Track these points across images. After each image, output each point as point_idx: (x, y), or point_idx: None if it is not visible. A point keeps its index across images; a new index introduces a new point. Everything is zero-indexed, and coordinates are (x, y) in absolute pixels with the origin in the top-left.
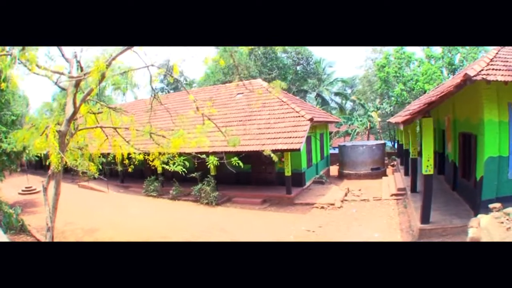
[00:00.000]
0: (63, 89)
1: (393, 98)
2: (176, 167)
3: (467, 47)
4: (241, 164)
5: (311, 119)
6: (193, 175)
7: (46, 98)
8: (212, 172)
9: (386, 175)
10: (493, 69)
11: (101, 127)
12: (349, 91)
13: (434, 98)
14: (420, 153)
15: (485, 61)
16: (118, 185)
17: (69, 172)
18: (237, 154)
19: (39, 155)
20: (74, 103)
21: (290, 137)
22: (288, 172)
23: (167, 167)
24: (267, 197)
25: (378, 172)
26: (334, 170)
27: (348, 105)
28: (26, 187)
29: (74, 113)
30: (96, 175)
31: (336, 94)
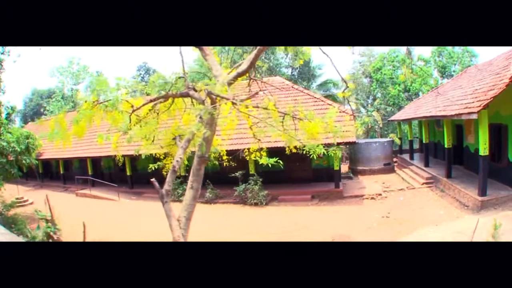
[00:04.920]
0: None
1: (390, 99)
2: (268, 161)
3: (456, 51)
4: (323, 151)
5: (352, 114)
6: (236, 174)
7: (17, 103)
8: (252, 171)
9: (395, 170)
10: None
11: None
12: (336, 92)
13: (493, 93)
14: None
15: None
16: (127, 191)
17: (59, 179)
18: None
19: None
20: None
21: (341, 131)
22: (337, 167)
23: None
24: (314, 193)
25: (389, 167)
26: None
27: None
28: (17, 198)
29: (251, 65)
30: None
31: (326, 96)
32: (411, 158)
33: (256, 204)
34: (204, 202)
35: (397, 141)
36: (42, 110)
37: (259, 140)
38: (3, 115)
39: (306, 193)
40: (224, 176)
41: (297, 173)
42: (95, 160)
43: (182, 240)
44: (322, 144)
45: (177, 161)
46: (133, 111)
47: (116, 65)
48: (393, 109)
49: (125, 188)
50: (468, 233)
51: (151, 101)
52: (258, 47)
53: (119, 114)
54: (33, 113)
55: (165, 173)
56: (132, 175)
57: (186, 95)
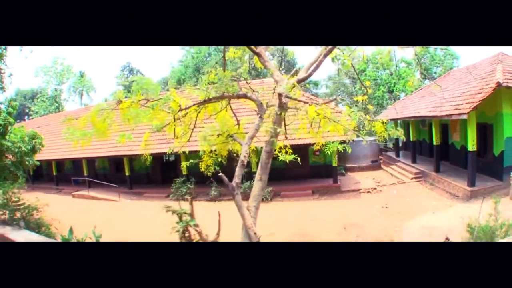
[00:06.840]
0: None
1: (375, 100)
2: (287, 156)
3: (438, 54)
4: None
5: (348, 114)
6: None
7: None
8: (254, 169)
9: (381, 167)
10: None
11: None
12: (316, 92)
13: (481, 96)
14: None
15: (500, 70)
16: (126, 192)
17: (50, 181)
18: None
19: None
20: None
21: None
22: (335, 163)
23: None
24: (314, 188)
25: (376, 164)
26: None
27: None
28: (13, 201)
29: (313, 71)
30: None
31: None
32: (397, 155)
33: (262, 200)
34: (208, 200)
35: (403, 138)
36: (27, 110)
37: (286, 137)
38: (3, 114)
39: (306, 189)
40: (227, 175)
41: (296, 170)
42: (89, 161)
43: (254, 227)
44: (335, 142)
45: (244, 156)
46: (180, 110)
47: (98, 64)
48: (377, 109)
49: (123, 189)
50: (467, 216)
51: (204, 101)
52: (319, 57)
53: (162, 113)
54: (17, 113)
55: (202, 169)
56: (130, 175)
57: (244, 96)
